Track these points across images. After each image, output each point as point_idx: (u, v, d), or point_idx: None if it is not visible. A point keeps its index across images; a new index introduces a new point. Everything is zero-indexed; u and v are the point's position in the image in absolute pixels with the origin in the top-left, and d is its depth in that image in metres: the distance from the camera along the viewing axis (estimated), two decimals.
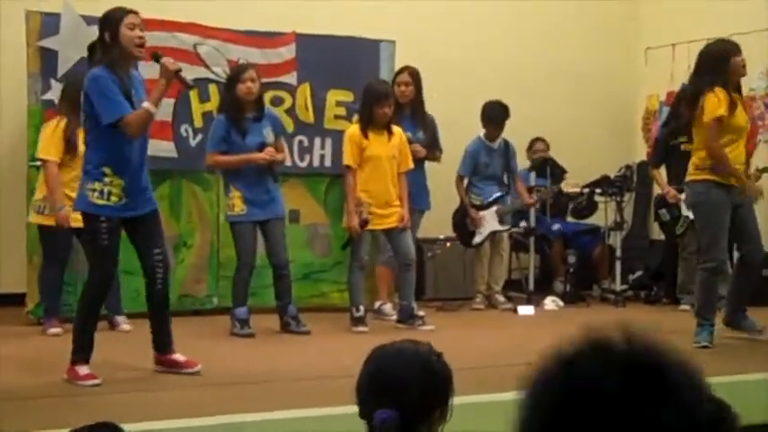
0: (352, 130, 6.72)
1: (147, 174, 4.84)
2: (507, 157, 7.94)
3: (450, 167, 7.66)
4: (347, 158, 6.66)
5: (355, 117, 7.25)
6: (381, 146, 6.68)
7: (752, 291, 6.24)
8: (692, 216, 7.46)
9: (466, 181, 7.94)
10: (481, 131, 7.91)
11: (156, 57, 4.73)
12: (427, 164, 7.46)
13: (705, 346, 5.83)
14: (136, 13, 4.72)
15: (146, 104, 4.56)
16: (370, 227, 6.60)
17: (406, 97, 7.24)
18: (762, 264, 6.29)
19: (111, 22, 4.69)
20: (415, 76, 7.24)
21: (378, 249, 7.21)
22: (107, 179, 4.62)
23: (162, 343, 4.94)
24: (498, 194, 7.87)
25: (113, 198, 4.63)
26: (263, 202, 6.37)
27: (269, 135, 6.43)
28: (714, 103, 5.79)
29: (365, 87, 6.78)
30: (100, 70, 4.66)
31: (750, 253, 6.12)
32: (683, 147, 7.35)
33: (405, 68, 7.30)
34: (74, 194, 6.06)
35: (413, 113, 7.29)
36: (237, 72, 6.47)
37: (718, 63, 5.89)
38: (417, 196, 7.23)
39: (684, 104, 6.25)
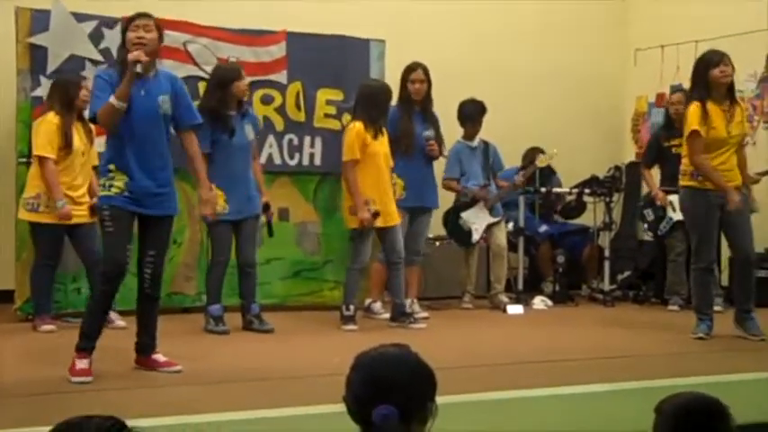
0: (358, 126, 6.58)
1: (168, 177, 4.89)
2: (487, 157, 7.94)
3: (436, 169, 7.62)
4: (353, 153, 6.54)
5: (346, 116, 7.24)
6: (380, 144, 6.68)
7: (751, 290, 6.28)
8: (675, 218, 7.59)
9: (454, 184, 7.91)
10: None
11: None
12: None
13: (701, 337, 6.15)
14: (146, 15, 4.84)
15: (111, 98, 4.64)
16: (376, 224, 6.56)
17: (420, 94, 7.18)
18: (751, 262, 6.34)
19: (124, 25, 4.87)
20: (427, 72, 7.19)
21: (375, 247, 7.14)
22: (111, 174, 4.79)
23: (143, 345, 4.99)
24: (477, 186, 7.82)
25: (114, 189, 4.77)
26: (241, 201, 6.33)
27: (250, 133, 6.46)
28: (690, 117, 6.09)
29: (375, 88, 6.79)
30: (101, 70, 4.95)
31: (738, 252, 6.30)
32: (674, 149, 7.38)
33: (417, 65, 7.19)
34: (69, 192, 6.09)
35: (423, 110, 7.24)
36: (236, 71, 6.46)
37: (700, 76, 6.14)
38: (430, 194, 7.27)
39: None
